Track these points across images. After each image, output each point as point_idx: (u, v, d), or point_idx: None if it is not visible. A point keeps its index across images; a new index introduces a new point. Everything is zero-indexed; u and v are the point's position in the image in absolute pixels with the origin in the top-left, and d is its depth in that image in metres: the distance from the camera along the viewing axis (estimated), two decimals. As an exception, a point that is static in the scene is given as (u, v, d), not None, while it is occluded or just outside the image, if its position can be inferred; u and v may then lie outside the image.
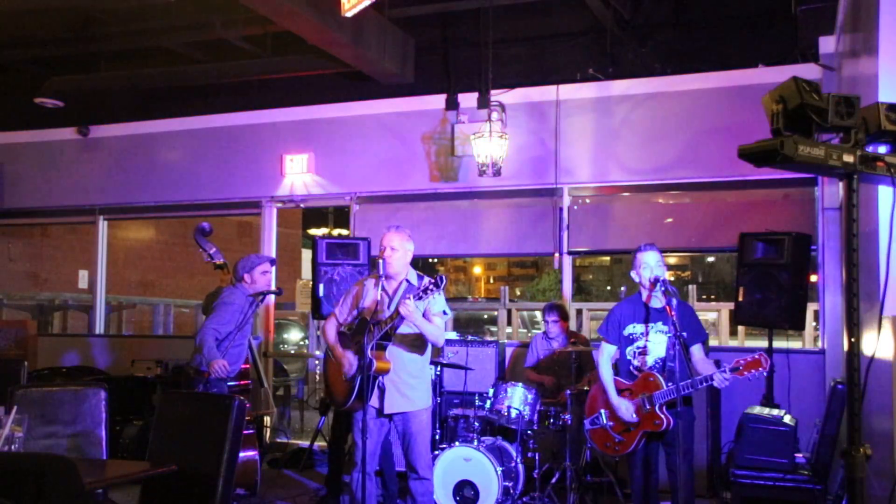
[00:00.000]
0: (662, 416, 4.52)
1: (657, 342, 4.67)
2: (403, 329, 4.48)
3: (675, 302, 4.51)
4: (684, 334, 4.40)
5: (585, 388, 5.91)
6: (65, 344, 9.19)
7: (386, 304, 4.60)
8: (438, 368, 6.10)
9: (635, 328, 4.75)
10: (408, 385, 4.57)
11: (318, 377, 6.62)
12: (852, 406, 2.62)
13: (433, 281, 4.27)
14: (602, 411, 4.80)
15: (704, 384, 4.42)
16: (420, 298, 4.30)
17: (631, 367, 4.75)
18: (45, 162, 9.36)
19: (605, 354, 4.83)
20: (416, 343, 4.58)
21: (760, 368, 4.31)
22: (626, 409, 4.64)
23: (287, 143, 8.27)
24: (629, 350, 4.76)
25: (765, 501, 4.83)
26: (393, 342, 4.52)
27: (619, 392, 4.72)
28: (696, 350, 4.64)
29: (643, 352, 4.71)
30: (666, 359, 4.60)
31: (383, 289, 4.63)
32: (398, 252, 4.57)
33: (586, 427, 4.92)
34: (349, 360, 4.56)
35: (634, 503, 4.82)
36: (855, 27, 5.23)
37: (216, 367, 5.41)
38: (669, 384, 4.49)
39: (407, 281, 4.63)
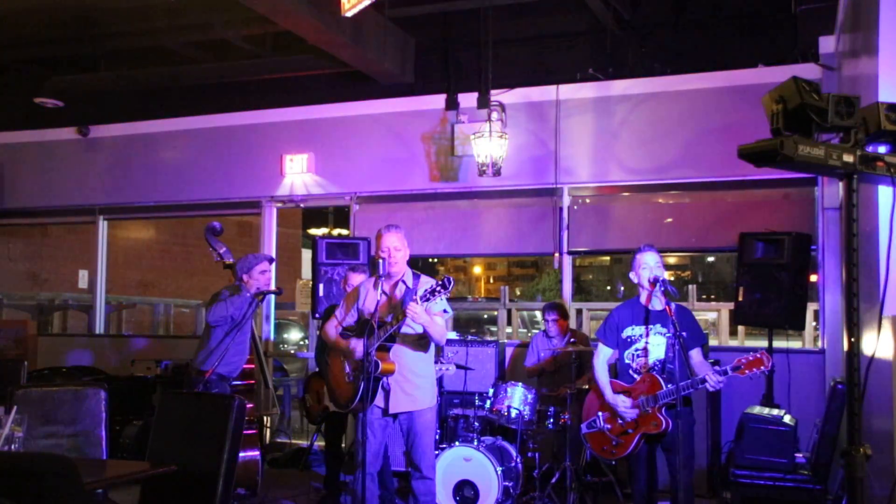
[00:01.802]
0: (661, 417, 4.52)
1: (656, 344, 4.66)
2: (406, 329, 4.47)
3: (674, 305, 4.52)
4: (684, 334, 4.39)
5: (585, 388, 5.92)
6: (65, 344, 9.19)
7: (385, 301, 4.59)
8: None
9: (634, 330, 4.74)
10: (412, 384, 4.56)
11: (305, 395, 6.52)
12: (852, 406, 2.62)
13: (440, 283, 4.23)
14: (599, 414, 4.78)
15: (701, 385, 4.42)
16: (427, 300, 4.26)
17: (630, 370, 4.73)
18: (45, 162, 9.36)
19: (601, 356, 4.83)
20: (420, 342, 4.57)
21: (762, 367, 4.31)
22: (622, 403, 4.62)
23: (287, 143, 8.27)
24: (627, 353, 4.75)
25: (765, 501, 4.83)
26: (396, 342, 4.52)
27: (618, 394, 4.71)
28: (695, 353, 4.62)
29: (642, 354, 4.70)
30: (665, 360, 4.59)
31: (381, 288, 4.61)
32: (401, 252, 4.56)
33: (583, 431, 4.89)
34: (355, 347, 4.53)
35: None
36: (855, 27, 5.23)
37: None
38: (669, 385, 4.48)
39: (403, 281, 4.60)
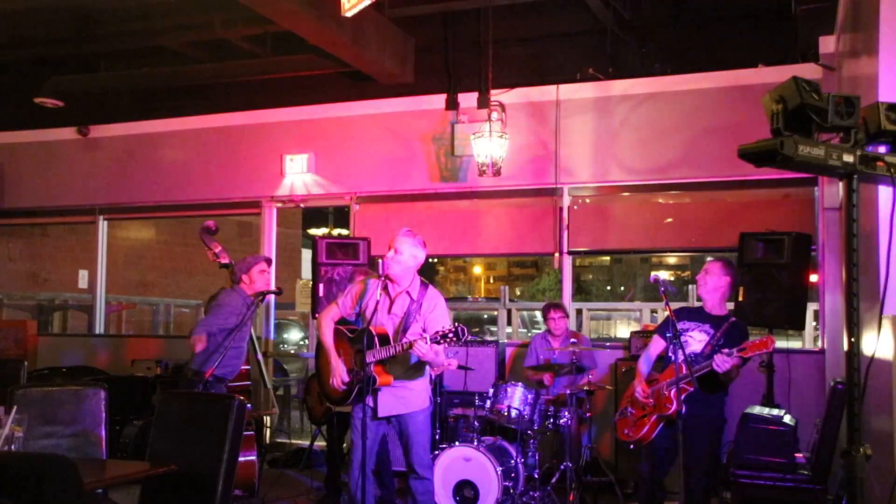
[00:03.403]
0: (673, 399, 4.58)
1: (696, 339, 4.77)
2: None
3: (732, 319, 4.78)
4: (721, 341, 4.60)
5: (585, 388, 5.92)
6: (65, 344, 9.19)
7: (387, 307, 4.59)
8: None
9: (684, 325, 4.84)
10: (403, 388, 4.56)
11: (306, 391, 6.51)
12: (852, 406, 2.62)
13: (454, 332, 4.20)
14: (629, 402, 4.96)
15: (705, 364, 4.51)
16: (437, 343, 4.25)
17: (671, 362, 4.82)
18: (45, 162, 9.36)
19: (651, 347, 5.01)
20: (418, 364, 4.57)
21: (766, 349, 4.42)
22: (640, 390, 4.79)
23: (287, 143, 8.27)
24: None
25: (765, 501, 4.82)
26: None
27: (650, 383, 4.86)
28: None
29: (681, 346, 4.75)
30: (700, 355, 4.65)
31: (386, 291, 4.61)
32: (400, 256, 4.52)
33: (615, 418, 5.08)
34: (340, 376, 4.54)
35: (641, 499, 4.87)
36: (855, 27, 5.23)
37: (193, 340, 5.56)
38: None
39: (408, 292, 4.58)
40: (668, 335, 4.83)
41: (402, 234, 4.58)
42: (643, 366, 4.95)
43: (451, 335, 4.19)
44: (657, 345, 4.98)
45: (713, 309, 4.86)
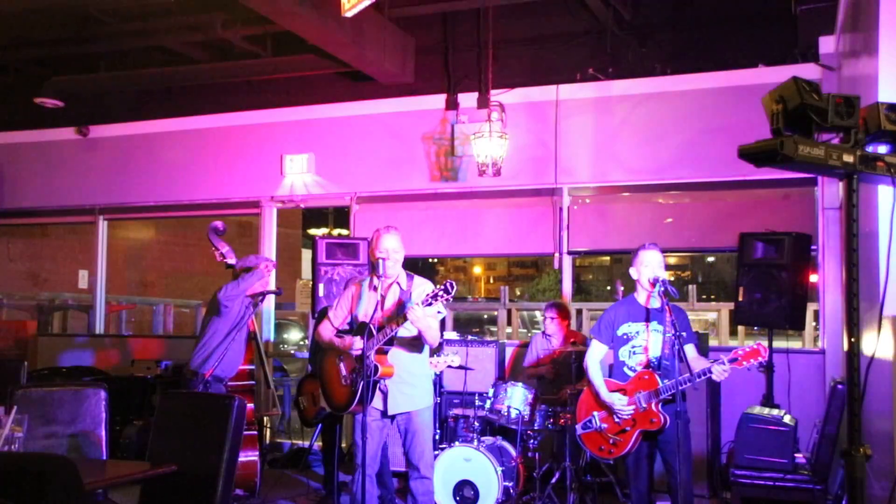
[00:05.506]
0: (660, 413, 4.51)
1: (653, 341, 4.66)
2: (402, 332, 4.46)
3: (667, 305, 4.53)
4: (683, 334, 4.41)
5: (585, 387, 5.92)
6: (65, 344, 9.19)
7: (380, 305, 4.59)
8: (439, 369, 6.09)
9: (630, 327, 4.73)
10: (410, 385, 4.56)
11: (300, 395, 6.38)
12: (852, 406, 2.62)
13: (444, 287, 4.22)
14: (595, 413, 4.75)
15: (704, 377, 4.41)
16: (429, 304, 4.26)
17: (625, 367, 4.72)
18: (45, 162, 9.36)
19: (594, 354, 4.81)
20: (415, 344, 4.57)
21: (759, 358, 4.31)
22: (619, 401, 4.60)
23: (287, 143, 8.27)
24: (623, 350, 4.74)
25: (765, 501, 4.83)
26: (394, 345, 4.51)
27: (613, 392, 4.69)
28: (690, 349, 4.63)
29: (641, 351, 4.69)
30: (661, 357, 4.60)
31: (375, 289, 4.61)
32: (399, 254, 4.57)
33: (578, 432, 4.85)
34: (352, 343, 4.49)
35: None
36: (855, 27, 5.23)
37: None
38: (666, 381, 4.48)
39: (398, 283, 4.60)
40: (610, 340, 4.73)
41: (392, 234, 4.57)
42: (600, 376, 4.73)
43: (441, 292, 4.21)
44: (599, 349, 4.81)
45: (648, 301, 4.70)
